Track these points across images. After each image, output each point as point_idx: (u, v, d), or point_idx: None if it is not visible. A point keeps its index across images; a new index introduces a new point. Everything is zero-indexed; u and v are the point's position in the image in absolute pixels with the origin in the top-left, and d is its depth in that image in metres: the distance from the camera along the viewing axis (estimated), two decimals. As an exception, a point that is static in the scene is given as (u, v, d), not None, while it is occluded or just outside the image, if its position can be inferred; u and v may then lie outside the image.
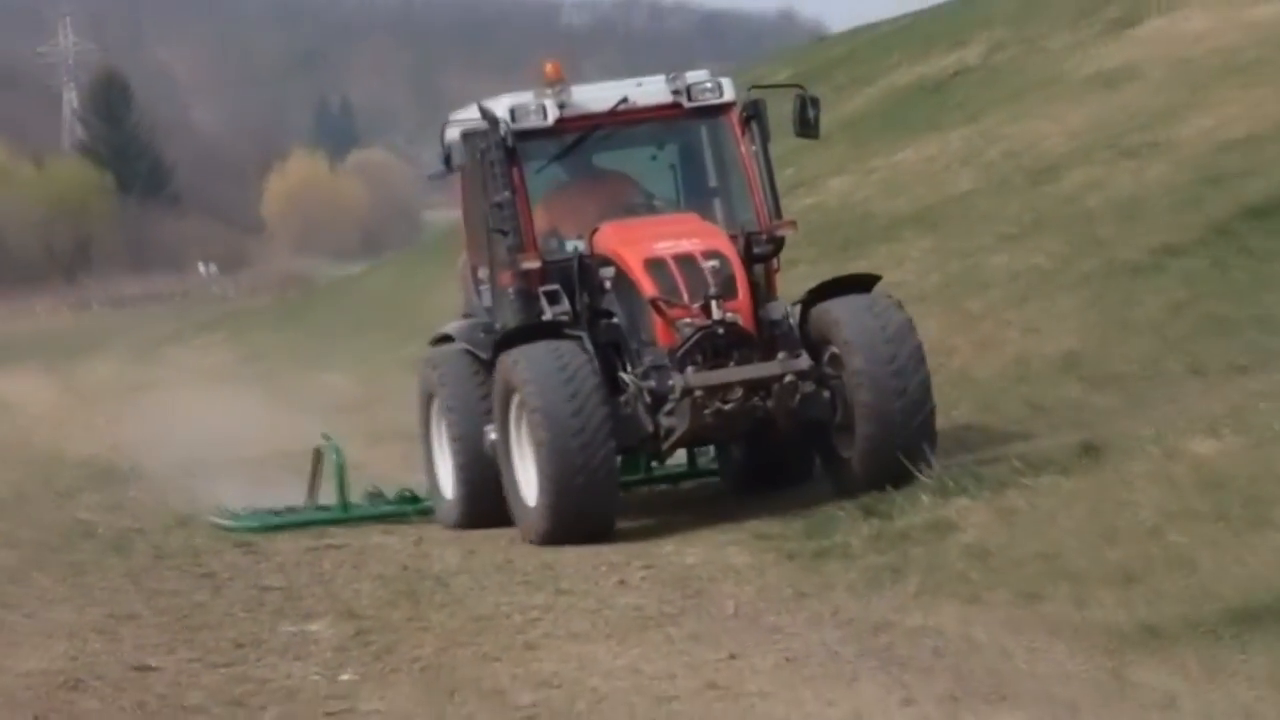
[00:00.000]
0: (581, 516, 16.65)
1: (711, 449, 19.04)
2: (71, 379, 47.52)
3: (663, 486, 20.05)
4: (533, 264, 17.55)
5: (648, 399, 16.68)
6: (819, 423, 16.90)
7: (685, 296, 16.71)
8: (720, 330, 16.59)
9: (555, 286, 17.54)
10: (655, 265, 16.92)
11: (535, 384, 16.44)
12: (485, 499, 17.93)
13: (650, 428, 16.76)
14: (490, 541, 17.97)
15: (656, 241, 17.18)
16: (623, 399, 16.80)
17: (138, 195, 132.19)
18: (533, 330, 17.25)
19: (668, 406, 16.56)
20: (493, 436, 17.48)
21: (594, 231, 17.67)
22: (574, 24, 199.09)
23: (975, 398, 20.51)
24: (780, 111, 18.52)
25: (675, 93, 18.27)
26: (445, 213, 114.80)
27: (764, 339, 16.85)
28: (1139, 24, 40.54)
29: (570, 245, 17.83)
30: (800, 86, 18.69)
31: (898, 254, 27.38)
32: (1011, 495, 15.47)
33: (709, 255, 16.87)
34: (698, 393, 16.32)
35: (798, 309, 17.30)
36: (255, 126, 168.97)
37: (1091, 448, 16.39)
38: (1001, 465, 16.38)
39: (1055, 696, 10.73)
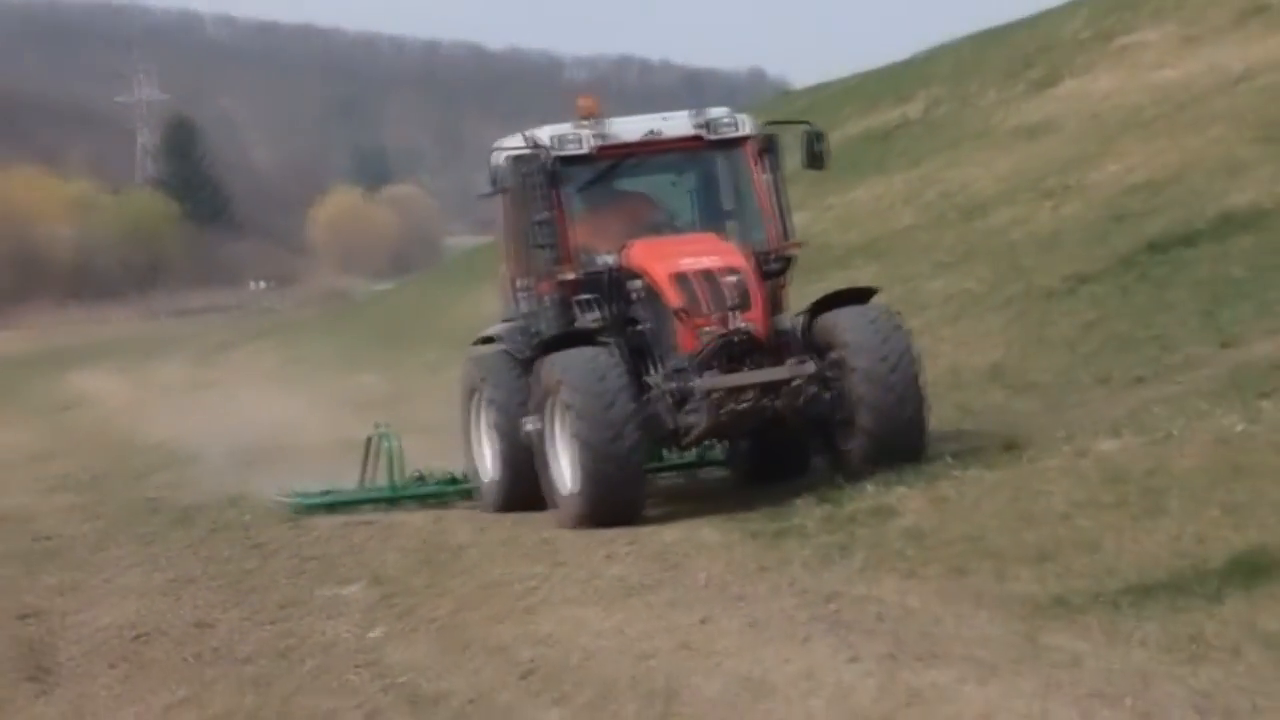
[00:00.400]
0: (613, 503, 16.29)
1: (718, 444, 18.59)
2: (143, 378, 47.45)
3: (678, 479, 19.59)
4: (570, 275, 17.28)
5: (671, 399, 16.39)
6: (821, 419, 16.60)
7: (706, 307, 16.43)
8: (737, 338, 16.32)
9: (589, 296, 17.27)
10: (680, 279, 16.62)
11: (572, 385, 16.16)
12: (522, 483, 17.57)
13: (673, 424, 16.47)
14: (498, 521, 17.92)
15: (681, 258, 16.88)
16: (648, 398, 16.52)
17: (201, 222, 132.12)
18: (570, 337, 16.97)
19: (689, 406, 16.30)
20: (529, 427, 17.12)
21: (624, 247, 17.34)
22: (575, 79, 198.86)
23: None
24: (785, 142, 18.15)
25: (698, 126, 17.92)
26: (463, 239, 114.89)
27: (774, 346, 16.58)
28: (1056, 84, 40.57)
29: (602, 259, 17.48)
30: (808, 123, 18.29)
31: (850, 279, 27.26)
32: (943, 485, 15.43)
33: (728, 271, 16.57)
34: (716, 394, 16.09)
35: (801, 318, 16.99)
36: (302, 164, 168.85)
37: (1012, 445, 16.38)
38: (935, 460, 16.33)
39: (978, 657, 10.71)
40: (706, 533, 15.86)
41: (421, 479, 20.14)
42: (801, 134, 17.97)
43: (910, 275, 26.60)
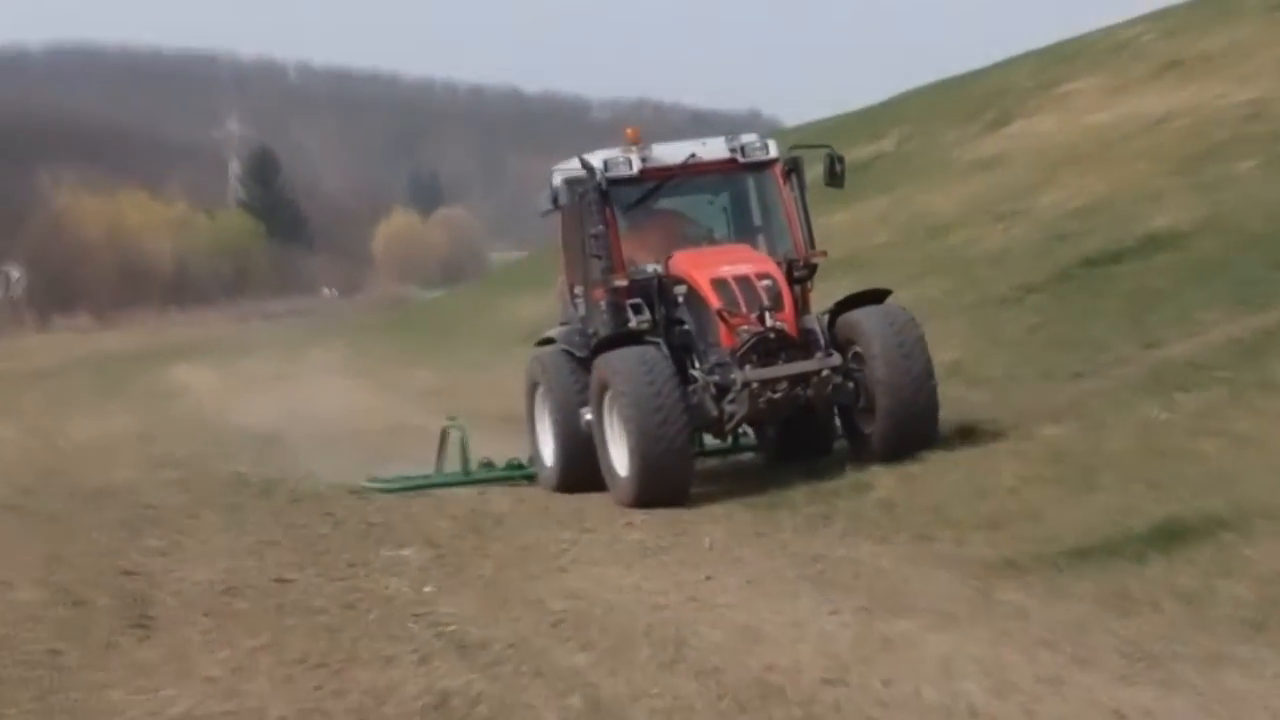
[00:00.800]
0: (663, 483, 15.88)
1: (749, 430, 17.98)
2: (231, 371, 47.42)
3: (714, 460, 19.04)
4: (621, 282, 17.00)
5: (713, 390, 16.12)
6: (845, 406, 16.34)
7: (744, 308, 16.18)
8: (771, 335, 16.08)
9: (638, 300, 16.99)
10: (720, 284, 16.37)
11: (625, 379, 15.90)
12: (579, 466, 17.26)
13: (715, 412, 16.18)
14: (534, 494, 17.94)
15: (720, 265, 16.62)
16: (693, 389, 16.21)
17: (281, 238, 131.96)
18: (622, 338, 16.69)
19: (730, 396, 16.01)
20: (588, 417, 16.90)
21: (669, 257, 17.06)
22: (599, 118, 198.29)
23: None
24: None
25: (732, 150, 17.58)
26: (505, 254, 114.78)
27: (803, 342, 16.28)
28: (1008, 125, 40.54)
29: (649, 268, 17.18)
30: (829, 146, 17.91)
31: (832, 289, 27.23)
32: (910, 464, 15.43)
33: (762, 276, 16.35)
34: (754, 385, 15.84)
35: (824, 317, 16.68)
36: (367, 189, 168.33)
37: (968, 431, 16.38)
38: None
39: (940, 609, 10.72)
40: (711, 504, 15.88)
41: (490, 464, 19.69)
42: (824, 156, 17.60)
43: (883, 285, 26.55)
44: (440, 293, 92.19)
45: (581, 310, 17.93)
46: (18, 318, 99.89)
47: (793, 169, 17.62)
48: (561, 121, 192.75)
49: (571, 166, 17.58)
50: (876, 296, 16.94)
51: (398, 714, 9.40)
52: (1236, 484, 11.99)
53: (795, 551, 13.21)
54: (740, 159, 17.60)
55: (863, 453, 16.16)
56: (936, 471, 14.96)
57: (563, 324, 18.42)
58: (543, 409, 18.06)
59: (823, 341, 16.29)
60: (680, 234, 17.72)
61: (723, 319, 16.23)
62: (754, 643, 10.30)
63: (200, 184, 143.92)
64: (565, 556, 13.95)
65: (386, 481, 19.47)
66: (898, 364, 15.80)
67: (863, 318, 16.27)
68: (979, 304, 23.15)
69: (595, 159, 17.43)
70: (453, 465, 19.73)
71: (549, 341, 18.50)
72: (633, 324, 16.87)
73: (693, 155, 17.56)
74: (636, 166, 17.36)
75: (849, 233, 33.04)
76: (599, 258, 17.07)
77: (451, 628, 11.46)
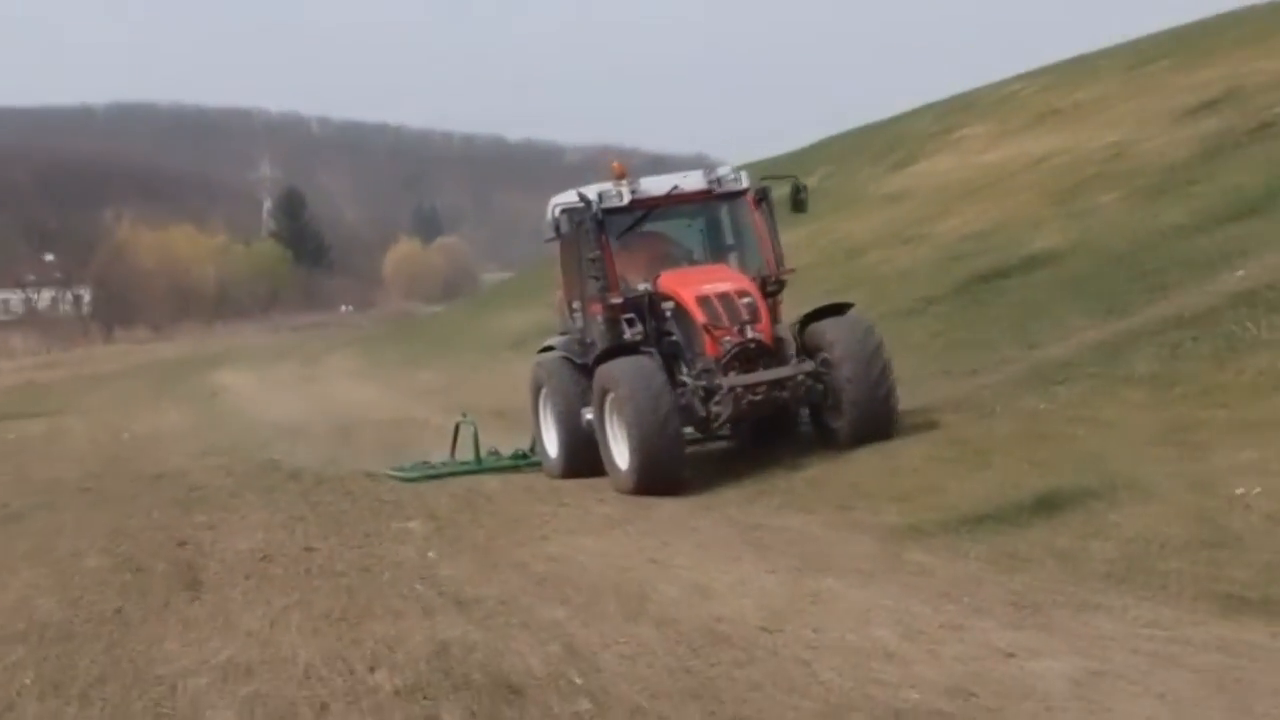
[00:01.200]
0: (660, 474, 15.34)
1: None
2: (265, 374, 47.30)
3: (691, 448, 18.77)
4: (617, 299, 16.58)
5: (701, 393, 15.75)
6: (815, 405, 15.94)
7: (726, 322, 15.81)
8: (751, 345, 15.72)
9: (631, 315, 16.58)
10: (704, 301, 15.98)
11: (624, 384, 15.47)
12: (578, 458, 16.81)
13: (703, 413, 15.80)
14: (522, 477, 17.87)
15: (703, 284, 16.19)
16: (683, 393, 15.82)
17: (306, 263, 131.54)
18: (620, 349, 16.29)
19: (716, 398, 15.63)
20: (588, 416, 16.46)
21: (657, 277, 16.62)
22: (571, 160, 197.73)
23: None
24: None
25: (710, 182, 17.17)
26: (494, 275, 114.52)
27: (777, 350, 15.92)
28: (912, 164, 40.68)
29: (640, 286, 16.67)
30: (795, 177, 17.55)
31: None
32: (833, 448, 15.46)
33: (741, 294, 15.98)
34: (737, 389, 15.48)
35: (795, 327, 16.25)
36: (378, 221, 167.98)
37: (882, 419, 16.34)
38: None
39: (859, 568, 10.74)
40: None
41: (497, 454, 19.24)
42: (790, 185, 17.22)
43: (808, 300, 26.49)
44: (440, 308, 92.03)
45: (579, 322, 17.53)
46: (86, 331, 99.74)
47: (763, 197, 17.22)
48: (539, 164, 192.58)
49: (569, 199, 17.21)
50: (840, 309, 16.49)
51: (406, 660, 9.38)
52: (1104, 461, 12.03)
53: (738, 521, 13.21)
54: (717, 189, 17.21)
55: (830, 444, 15.69)
56: (855, 453, 14.97)
57: (562, 334, 18.02)
58: (546, 408, 17.70)
59: (795, 349, 15.99)
60: (665, 254, 17.30)
61: (708, 331, 15.85)
62: (705, 598, 10.29)
63: (238, 219, 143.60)
64: (546, 527, 13.90)
65: (408, 470, 19.04)
66: (861, 367, 15.48)
67: (829, 327, 15.91)
68: (890, 314, 23.16)
69: (590, 192, 17.05)
70: (464, 455, 19.58)
71: (550, 349, 18.10)
72: (628, 336, 16.50)
73: (675, 187, 17.16)
74: (627, 198, 16.96)
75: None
76: (596, 278, 16.67)
77: (451, 588, 11.43)
